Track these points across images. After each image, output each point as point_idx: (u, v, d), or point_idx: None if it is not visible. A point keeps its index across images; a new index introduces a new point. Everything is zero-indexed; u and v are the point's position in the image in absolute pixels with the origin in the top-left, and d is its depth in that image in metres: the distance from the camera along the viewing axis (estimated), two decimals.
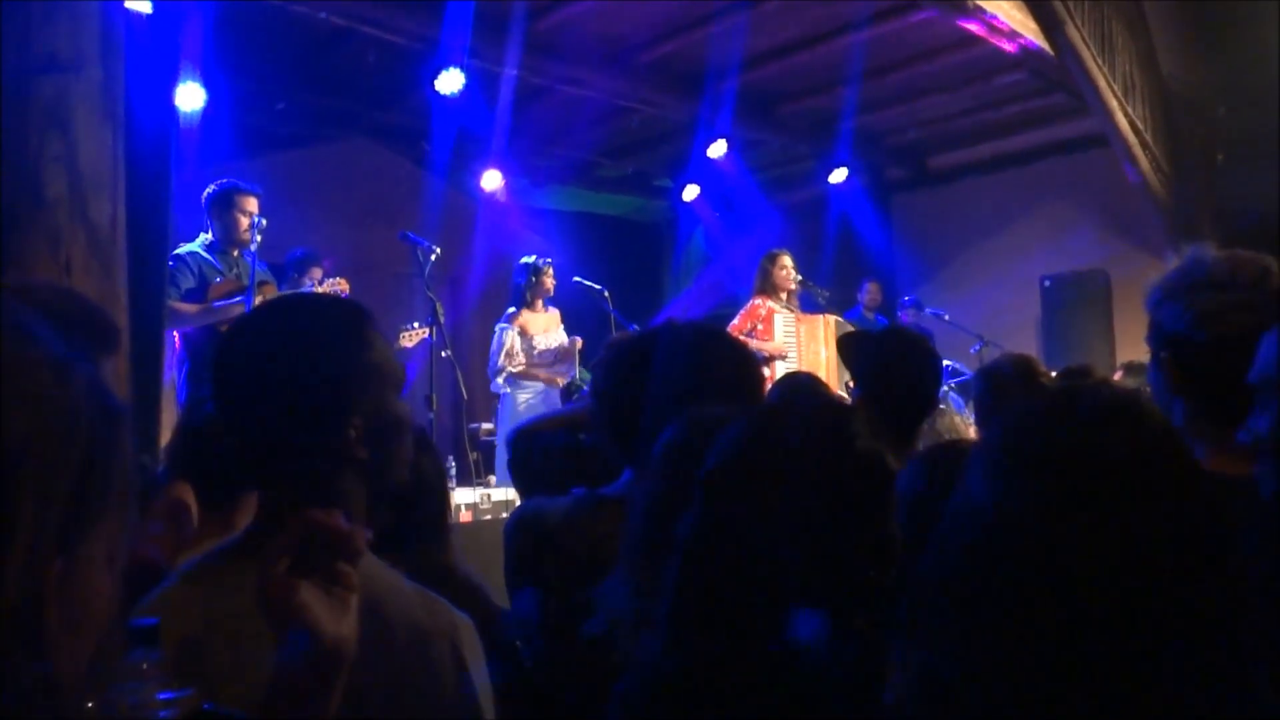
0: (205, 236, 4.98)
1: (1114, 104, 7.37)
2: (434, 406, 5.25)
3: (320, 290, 5.27)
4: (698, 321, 2.31)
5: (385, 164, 8.69)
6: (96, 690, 0.77)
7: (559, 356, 6.42)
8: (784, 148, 9.63)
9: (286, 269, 5.82)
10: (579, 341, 6.46)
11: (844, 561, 1.10)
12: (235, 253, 4.97)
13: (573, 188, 10.18)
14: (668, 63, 7.78)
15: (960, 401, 6.38)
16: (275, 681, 0.94)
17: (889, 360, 2.56)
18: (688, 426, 1.37)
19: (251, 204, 4.95)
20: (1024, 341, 7.97)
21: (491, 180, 8.35)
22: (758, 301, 6.67)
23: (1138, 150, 7.68)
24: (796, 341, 6.61)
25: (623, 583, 1.39)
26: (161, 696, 0.85)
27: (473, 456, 6.25)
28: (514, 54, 6.83)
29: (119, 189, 2.35)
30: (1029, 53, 7.26)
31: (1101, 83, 7.20)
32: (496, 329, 6.48)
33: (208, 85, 6.11)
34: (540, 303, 6.53)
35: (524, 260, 6.58)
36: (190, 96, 5.98)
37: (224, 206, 4.94)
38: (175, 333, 4.74)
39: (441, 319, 5.57)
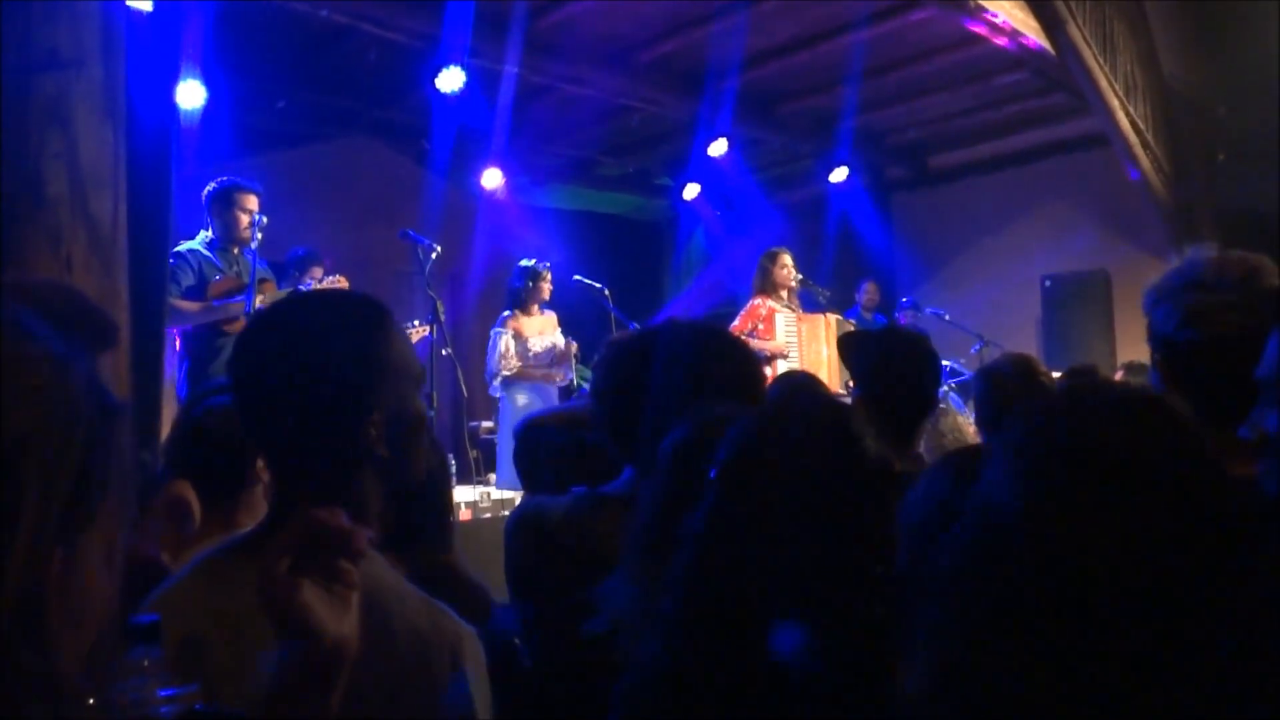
0: (205, 234, 4.97)
1: (1115, 103, 7.37)
2: (434, 404, 5.25)
3: (321, 288, 5.27)
4: (699, 320, 2.30)
5: (386, 162, 8.70)
6: (97, 687, 0.77)
7: (554, 359, 6.41)
8: (784, 147, 9.63)
9: (287, 267, 5.82)
10: (574, 344, 6.45)
11: (847, 560, 1.10)
12: (235, 251, 4.97)
13: (573, 186, 10.18)
14: (668, 61, 7.78)
15: (960, 401, 6.38)
16: (275, 680, 0.93)
17: (889, 360, 2.55)
18: (697, 425, 1.37)
19: (252, 202, 4.95)
20: (1024, 341, 7.97)
21: (492, 178, 8.35)
22: (758, 301, 6.66)
23: (1139, 150, 7.68)
24: (798, 341, 6.61)
25: (627, 581, 1.38)
26: (162, 694, 0.85)
27: (472, 455, 6.25)
28: (514, 52, 6.83)
29: (120, 186, 2.35)
30: (1030, 52, 7.26)
31: (1102, 82, 7.20)
32: (491, 334, 6.47)
33: (208, 83, 6.11)
34: (536, 306, 6.48)
35: (522, 264, 6.54)
36: (191, 94, 5.98)
37: (224, 204, 4.94)
38: (175, 331, 4.74)
39: (442, 317, 5.57)
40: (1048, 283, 9.11)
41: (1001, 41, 7.10)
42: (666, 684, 1.12)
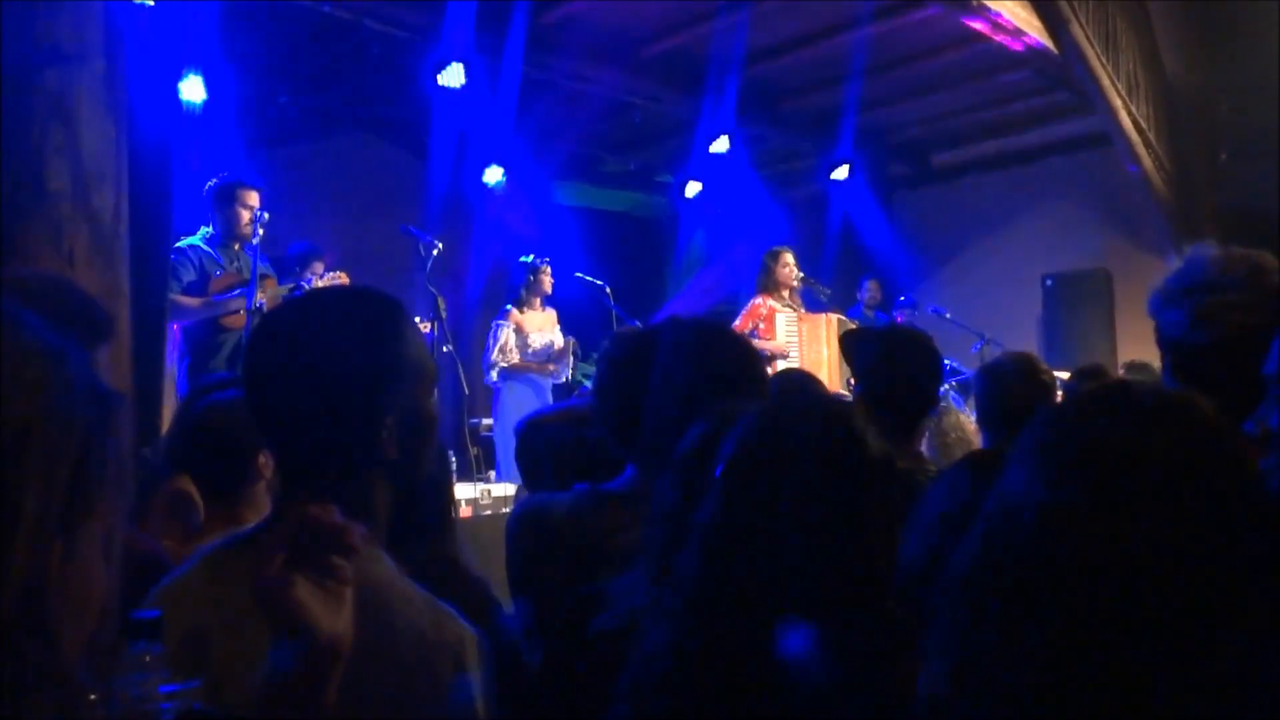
0: (206, 230, 4.97)
1: (1117, 102, 7.37)
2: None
3: (322, 285, 5.26)
4: (701, 317, 2.30)
5: (387, 158, 8.69)
6: (99, 682, 0.77)
7: (552, 356, 6.46)
8: (786, 144, 9.62)
9: (287, 262, 5.81)
10: (573, 341, 6.49)
11: (850, 555, 1.10)
12: (236, 246, 4.96)
13: (575, 183, 10.17)
14: (670, 58, 7.77)
15: (960, 400, 6.38)
16: (270, 677, 0.93)
17: (890, 357, 2.55)
18: (716, 421, 1.36)
19: (253, 198, 4.95)
20: (1025, 339, 7.97)
21: (493, 175, 8.35)
22: (759, 300, 6.66)
23: (1140, 148, 7.68)
24: (799, 340, 6.62)
25: (645, 576, 1.37)
26: (163, 690, 0.85)
27: (473, 451, 6.25)
28: (516, 48, 6.82)
29: (122, 181, 2.35)
30: (1033, 51, 7.26)
31: (1105, 81, 7.20)
32: (493, 325, 6.51)
33: (210, 78, 6.10)
34: (538, 301, 6.55)
35: (522, 260, 6.60)
36: (192, 90, 5.97)
37: (226, 200, 4.94)
38: (175, 326, 4.74)
39: (443, 314, 5.56)
40: (1049, 281, 9.10)
41: (1004, 40, 7.10)
42: (673, 677, 1.12)
